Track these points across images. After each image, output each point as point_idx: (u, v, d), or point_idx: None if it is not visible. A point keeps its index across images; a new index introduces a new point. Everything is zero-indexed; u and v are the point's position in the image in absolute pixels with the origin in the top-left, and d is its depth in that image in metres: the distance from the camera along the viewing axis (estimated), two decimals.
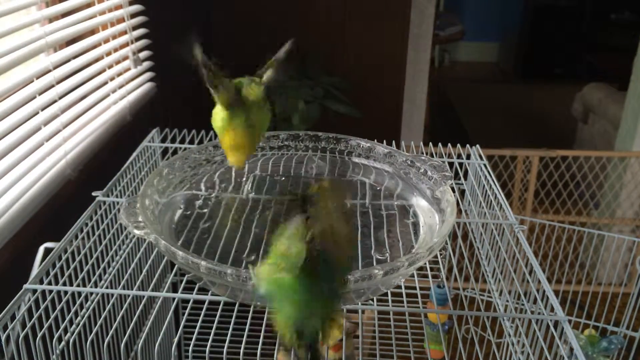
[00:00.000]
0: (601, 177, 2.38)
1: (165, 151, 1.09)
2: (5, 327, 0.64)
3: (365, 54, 2.42)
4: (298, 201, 0.59)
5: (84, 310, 0.72)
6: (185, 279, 0.83)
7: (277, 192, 0.89)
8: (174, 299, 1.09)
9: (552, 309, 0.71)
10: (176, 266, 1.07)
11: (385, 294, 0.78)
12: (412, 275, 0.82)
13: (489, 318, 0.85)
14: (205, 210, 0.86)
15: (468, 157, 1.07)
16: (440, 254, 0.94)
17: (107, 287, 0.77)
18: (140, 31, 1.51)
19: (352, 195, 0.89)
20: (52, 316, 0.68)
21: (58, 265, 0.73)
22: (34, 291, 0.69)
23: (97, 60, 1.31)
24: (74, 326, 0.70)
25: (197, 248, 0.77)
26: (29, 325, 0.66)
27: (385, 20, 2.37)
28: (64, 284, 0.72)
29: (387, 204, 0.88)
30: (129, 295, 0.78)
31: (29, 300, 0.68)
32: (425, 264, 0.75)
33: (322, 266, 0.55)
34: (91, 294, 0.73)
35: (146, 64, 1.54)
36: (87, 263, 0.77)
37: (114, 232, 0.85)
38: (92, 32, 1.33)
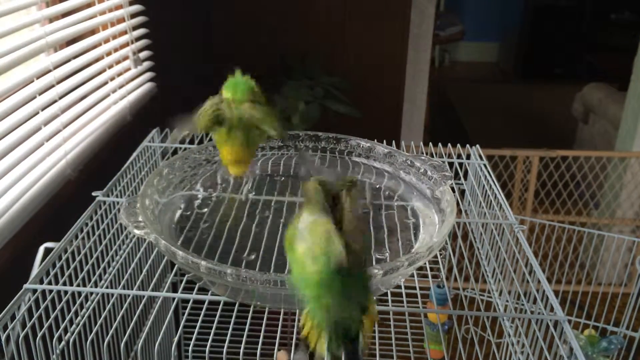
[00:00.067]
0: (601, 177, 2.38)
1: (165, 151, 1.09)
2: (5, 327, 0.64)
3: (365, 54, 2.42)
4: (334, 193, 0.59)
5: (84, 310, 0.72)
6: (185, 279, 0.83)
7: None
8: (174, 298, 1.09)
9: (552, 309, 0.71)
10: (176, 266, 1.07)
11: (385, 294, 0.79)
12: (412, 275, 0.82)
13: (488, 318, 0.85)
14: (205, 210, 0.86)
15: (468, 157, 1.07)
16: (440, 254, 0.94)
17: (107, 287, 0.77)
18: (141, 31, 1.52)
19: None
20: (52, 316, 0.68)
21: (58, 265, 0.73)
22: (34, 291, 0.69)
23: (97, 60, 1.31)
24: (74, 326, 0.70)
25: (197, 248, 0.77)
26: (29, 325, 0.66)
27: (385, 20, 2.37)
28: (64, 284, 0.72)
29: (387, 204, 0.88)
30: (129, 295, 0.78)
31: (29, 300, 0.68)
32: (425, 263, 0.75)
33: (355, 259, 0.56)
34: (91, 293, 0.73)
35: (146, 64, 1.54)
36: (87, 263, 0.77)
37: (114, 232, 0.85)
38: (93, 32, 1.33)
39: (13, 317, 0.66)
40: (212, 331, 0.74)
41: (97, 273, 0.77)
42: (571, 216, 2.39)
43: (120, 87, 1.40)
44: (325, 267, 0.54)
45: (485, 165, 1.02)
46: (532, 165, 2.23)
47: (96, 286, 0.76)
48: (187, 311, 0.83)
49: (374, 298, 0.61)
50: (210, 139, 1.08)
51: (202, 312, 0.76)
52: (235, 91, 0.80)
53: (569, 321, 0.71)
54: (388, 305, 0.76)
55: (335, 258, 0.55)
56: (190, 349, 0.71)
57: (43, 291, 0.70)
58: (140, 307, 0.75)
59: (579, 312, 1.93)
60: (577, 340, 0.72)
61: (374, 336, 0.92)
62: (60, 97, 1.14)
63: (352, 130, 1.02)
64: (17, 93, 1.03)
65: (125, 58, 1.46)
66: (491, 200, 0.94)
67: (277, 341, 0.78)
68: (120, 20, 1.42)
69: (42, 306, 0.68)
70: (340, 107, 2.19)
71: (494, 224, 0.92)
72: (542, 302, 0.73)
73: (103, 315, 0.71)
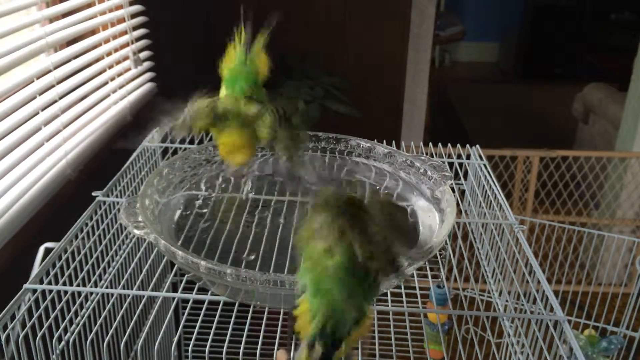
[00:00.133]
0: (601, 178, 2.38)
1: (165, 151, 1.09)
2: (5, 327, 0.64)
3: (365, 54, 2.42)
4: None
5: (84, 310, 0.72)
6: (185, 279, 0.83)
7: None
8: (173, 298, 1.09)
9: (552, 309, 0.71)
10: (176, 266, 1.07)
11: (385, 294, 0.79)
12: (412, 275, 0.82)
13: (488, 318, 0.85)
14: (205, 210, 0.86)
15: (468, 157, 1.07)
16: (440, 254, 0.94)
17: (107, 287, 0.77)
18: (141, 31, 1.52)
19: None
20: (52, 316, 0.68)
21: (58, 265, 0.73)
22: (34, 291, 0.69)
23: (97, 60, 1.32)
24: (74, 326, 0.70)
25: (197, 248, 0.77)
26: (29, 325, 0.66)
27: (385, 20, 2.37)
28: (64, 284, 0.72)
29: None
30: (128, 295, 0.78)
31: (29, 300, 0.68)
32: (425, 264, 0.75)
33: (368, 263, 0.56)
34: (91, 293, 0.73)
35: (146, 64, 1.54)
36: (87, 263, 0.77)
37: (114, 232, 0.85)
38: (93, 32, 1.33)
39: (13, 317, 0.66)
40: (212, 331, 0.74)
41: (97, 273, 0.77)
42: (571, 216, 2.39)
43: (121, 87, 1.40)
44: (343, 257, 0.55)
45: (485, 165, 1.02)
46: (532, 166, 2.23)
47: (96, 286, 0.76)
48: (187, 311, 0.83)
49: (372, 310, 0.61)
50: (211, 139, 1.08)
51: (202, 312, 0.76)
52: (233, 87, 0.80)
53: (569, 321, 0.71)
54: (388, 305, 0.76)
55: (350, 254, 0.55)
56: (190, 348, 0.71)
57: (43, 291, 0.70)
58: (140, 307, 0.75)
59: (579, 312, 1.93)
60: (577, 340, 0.72)
61: (373, 336, 0.92)
62: (61, 97, 1.14)
63: (352, 130, 1.02)
64: (17, 93, 1.03)
65: (126, 58, 1.46)
66: (491, 201, 0.94)
67: (277, 341, 0.78)
68: (121, 20, 1.42)
69: (42, 306, 0.68)
70: (340, 107, 2.19)
71: (494, 224, 0.92)
72: (542, 302, 0.73)
73: (103, 315, 0.71)
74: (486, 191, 0.96)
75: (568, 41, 4.82)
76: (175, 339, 1.17)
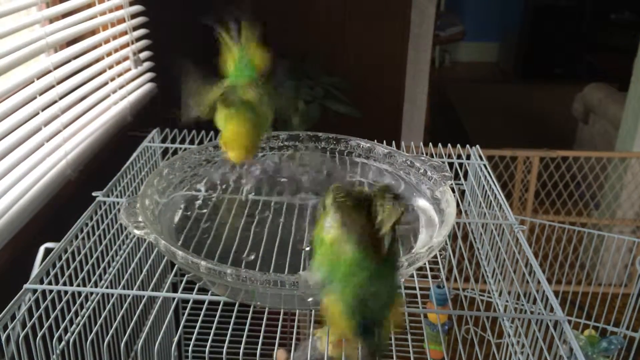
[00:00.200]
0: (601, 178, 2.38)
1: (165, 151, 1.09)
2: (5, 327, 0.64)
3: (365, 54, 2.42)
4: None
5: (84, 310, 0.72)
6: (185, 279, 0.83)
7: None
8: (174, 299, 1.09)
9: (552, 309, 0.71)
10: (176, 266, 1.07)
11: None
12: (412, 276, 0.82)
13: (488, 318, 0.85)
14: (205, 210, 0.86)
15: (468, 157, 1.07)
16: (440, 254, 0.94)
17: (107, 287, 0.77)
18: (141, 32, 1.52)
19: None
20: (52, 316, 0.68)
21: (58, 265, 0.73)
22: (34, 291, 0.69)
23: (97, 60, 1.32)
24: (74, 326, 0.70)
25: (197, 248, 0.77)
26: (29, 325, 0.66)
27: (385, 20, 2.37)
28: (64, 284, 0.72)
29: None
30: (129, 295, 0.78)
31: (29, 300, 0.68)
32: (425, 264, 0.75)
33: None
34: (91, 293, 0.73)
35: (147, 64, 1.54)
36: (87, 263, 0.77)
37: (114, 232, 0.85)
38: (93, 32, 1.33)
39: (13, 317, 0.66)
40: (212, 331, 0.74)
41: (97, 273, 0.77)
42: (571, 217, 2.39)
43: (121, 87, 1.40)
44: (362, 246, 0.55)
45: (485, 165, 1.02)
46: (532, 166, 2.23)
47: (96, 286, 0.76)
48: (187, 311, 0.82)
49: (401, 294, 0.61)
50: (211, 139, 1.08)
51: (202, 312, 0.76)
52: (238, 78, 0.81)
53: (569, 321, 0.71)
54: None
55: (370, 241, 0.55)
56: (190, 349, 0.71)
57: (43, 291, 0.70)
58: (140, 307, 0.75)
59: (579, 313, 1.93)
60: (577, 340, 0.72)
61: None
62: (61, 98, 1.14)
63: (352, 131, 1.02)
64: (18, 93, 1.03)
65: (126, 58, 1.46)
66: (491, 201, 0.94)
67: (277, 341, 0.78)
68: (121, 20, 1.42)
69: (42, 306, 0.68)
70: (340, 107, 2.19)
71: (494, 225, 0.92)
72: (542, 303, 0.73)
73: (103, 315, 0.71)
74: (486, 191, 0.96)
75: (568, 41, 4.82)
76: (176, 339, 1.18)
